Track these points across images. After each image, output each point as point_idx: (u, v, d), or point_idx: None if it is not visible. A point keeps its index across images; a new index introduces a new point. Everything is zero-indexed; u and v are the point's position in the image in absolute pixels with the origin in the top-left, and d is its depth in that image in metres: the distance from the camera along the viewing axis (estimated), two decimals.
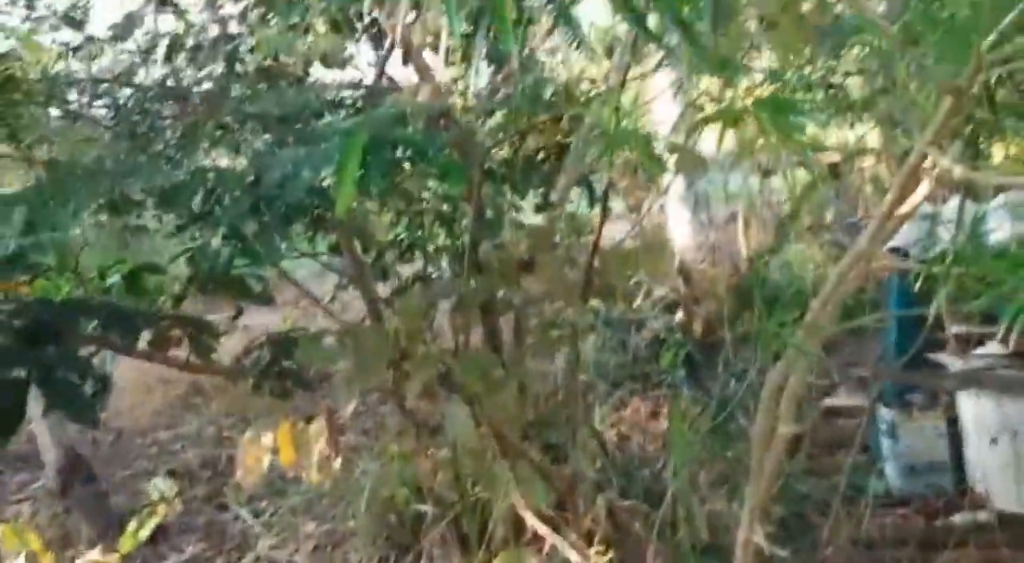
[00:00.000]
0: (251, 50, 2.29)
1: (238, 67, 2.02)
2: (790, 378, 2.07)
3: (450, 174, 1.60)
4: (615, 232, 6.26)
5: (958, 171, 1.09)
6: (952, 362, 3.17)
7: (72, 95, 2.10)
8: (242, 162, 1.70)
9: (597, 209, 2.86)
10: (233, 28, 2.89)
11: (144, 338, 2.05)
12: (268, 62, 1.99)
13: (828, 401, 4.52)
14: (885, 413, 3.45)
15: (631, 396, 5.08)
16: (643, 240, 6.33)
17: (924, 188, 2.01)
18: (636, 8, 0.80)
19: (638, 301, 6.38)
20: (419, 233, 3.12)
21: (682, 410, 4.02)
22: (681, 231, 6.44)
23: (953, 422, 3.35)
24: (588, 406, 4.74)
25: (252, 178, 1.49)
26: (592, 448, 3.13)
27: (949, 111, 1.12)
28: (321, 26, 2.08)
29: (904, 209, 1.83)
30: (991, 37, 1.14)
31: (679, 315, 5.88)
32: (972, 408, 3.03)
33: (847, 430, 4.06)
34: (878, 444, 3.57)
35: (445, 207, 3.07)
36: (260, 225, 1.35)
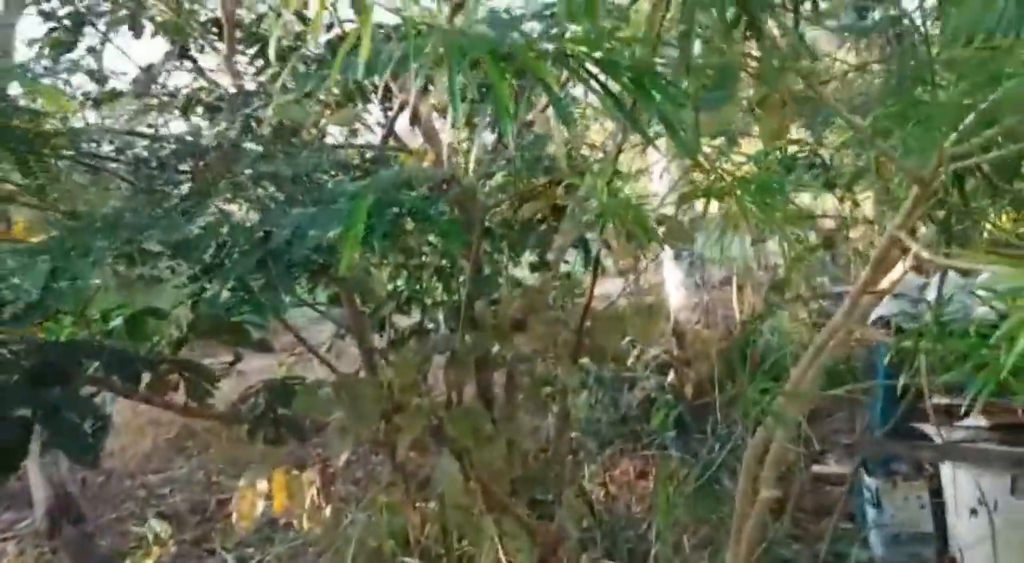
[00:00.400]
0: (266, 104, 2.40)
1: (253, 125, 2.11)
2: (772, 443, 2.13)
3: (450, 235, 1.68)
4: (613, 290, 6.36)
5: (925, 254, 1.17)
6: (935, 433, 3.22)
7: (89, 146, 2.19)
8: (253, 216, 1.78)
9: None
10: (251, 84, 3.02)
11: (143, 381, 2.11)
12: (284, 122, 2.09)
13: (817, 468, 4.55)
14: (870, 482, 3.48)
15: (621, 455, 5.10)
16: (636, 302, 6.40)
17: (901, 268, 2.10)
18: (623, 104, 0.89)
19: (631, 360, 6.43)
20: (418, 287, 3.19)
21: (670, 472, 4.05)
22: (676, 292, 6.52)
23: (937, 493, 3.38)
24: (578, 464, 4.77)
25: (262, 234, 1.57)
26: (578, 507, 3.16)
27: (916, 199, 1.21)
28: (335, 90, 2.19)
29: (883, 285, 1.91)
30: (954, 134, 1.23)
31: (671, 376, 5.92)
32: (952, 480, 3.07)
33: (835, 497, 4.09)
34: (863, 512, 3.59)
35: (444, 262, 3.15)
36: (267, 279, 1.43)
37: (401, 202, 1.51)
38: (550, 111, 3.13)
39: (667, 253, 6.46)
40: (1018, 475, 2.61)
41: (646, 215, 1.70)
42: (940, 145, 1.11)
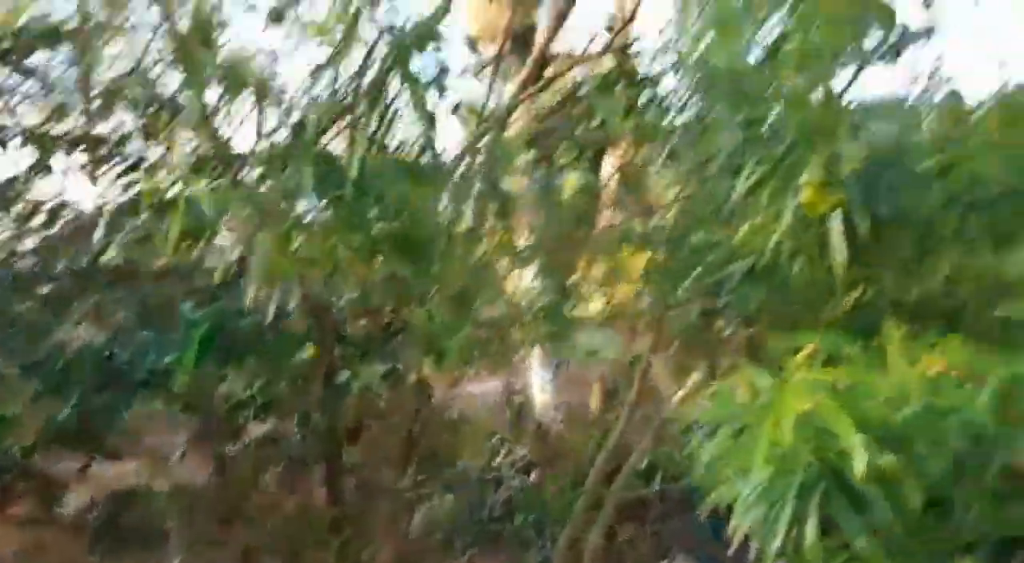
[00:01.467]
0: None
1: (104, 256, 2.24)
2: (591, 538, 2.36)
3: (278, 356, 1.88)
4: (489, 391, 6.56)
5: (662, 377, 1.45)
6: None
7: None
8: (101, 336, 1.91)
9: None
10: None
11: None
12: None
13: None
14: None
15: (482, 555, 5.20)
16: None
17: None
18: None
19: (499, 460, 6.59)
20: (273, 394, 3.31)
21: None
22: (541, 394, 6.77)
23: None
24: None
25: (107, 355, 1.73)
26: None
27: (658, 332, 1.50)
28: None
29: (676, 399, 2.20)
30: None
31: (534, 475, 6.10)
32: None
33: None
34: None
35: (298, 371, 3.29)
36: (107, 398, 1.58)
37: (236, 328, 1.70)
38: None
39: (535, 353, 6.75)
40: None
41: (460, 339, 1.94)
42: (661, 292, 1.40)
